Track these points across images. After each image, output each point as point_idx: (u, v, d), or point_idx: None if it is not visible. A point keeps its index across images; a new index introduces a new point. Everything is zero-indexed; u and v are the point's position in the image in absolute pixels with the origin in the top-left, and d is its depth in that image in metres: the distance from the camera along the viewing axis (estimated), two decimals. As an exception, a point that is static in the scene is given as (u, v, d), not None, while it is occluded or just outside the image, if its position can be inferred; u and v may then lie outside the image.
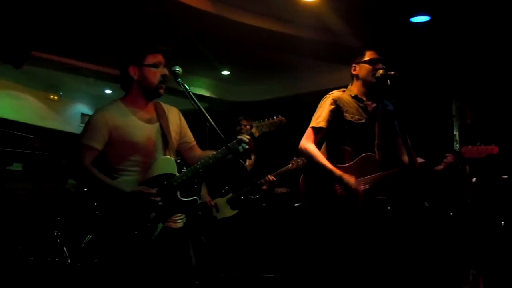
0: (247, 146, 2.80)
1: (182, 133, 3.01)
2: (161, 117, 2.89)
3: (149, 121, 2.85)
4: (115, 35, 6.45)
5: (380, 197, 3.30)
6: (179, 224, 2.84)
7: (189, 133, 3.04)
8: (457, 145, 6.89)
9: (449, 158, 3.16)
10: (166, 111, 2.95)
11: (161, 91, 2.84)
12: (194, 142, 3.06)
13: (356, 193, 3.23)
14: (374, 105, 3.44)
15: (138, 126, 2.80)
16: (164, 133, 2.84)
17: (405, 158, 3.38)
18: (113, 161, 2.78)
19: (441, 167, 3.19)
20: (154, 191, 2.68)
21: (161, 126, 2.86)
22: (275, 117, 2.97)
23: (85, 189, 5.71)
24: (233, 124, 5.24)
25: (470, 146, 3.15)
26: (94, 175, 2.70)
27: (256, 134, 2.89)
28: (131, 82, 2.84)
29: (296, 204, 3.72)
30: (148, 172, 2.75)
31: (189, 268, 2.86)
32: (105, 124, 2.74)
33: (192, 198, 2.81)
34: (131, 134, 2.76)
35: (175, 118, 2.98)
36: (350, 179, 3.24)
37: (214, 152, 2.82)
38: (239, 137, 2.84)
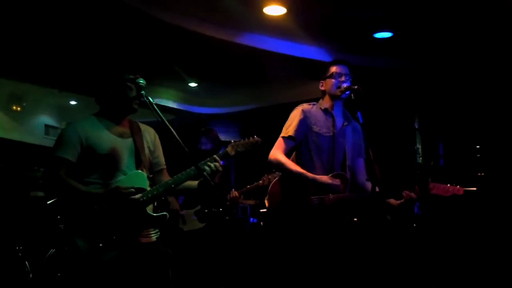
0: (214, 168, 2.81)
1: (155, 154, 3.01)
2: (136, 134, 2.89)
3: (121, 135, 2.84)
4: (83, 48, 6.39)
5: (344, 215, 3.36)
6: (153, 238, 2.82)
7: (161, 156, 3.04)
8: (420, 158, 7.03)
9: (412, 194, 3.22)
10: (141, 129, 2.96)
11: (135, 106, 2.84)
12: (164, 167, 3.06)
13: (331, 185, 3.30)
14: (346, 123, 3.54)
15: (109, 139, 2.78)
16: (138, 149, 2.84)
17: (363, 181, 3.52)
18: (82, 173, 2.75)
19: (400, 201, 3.29)
20: (131, 188, 2.67)
21: (134, 141, 2.86)
22: (251, 137, 3.04)
23: (48, 202, 5.60)
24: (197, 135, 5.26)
25: (438, 184, 3.21)
26: (70, 184, 2.67)
27: (232, 153, 2.96)
28: (106, 98, 2.84)
29: (261, 210, 3.74)
30: (117, 185, 2.71)
31: (165, 282, 2.81)
32: (76, 136, 2.73)
33: (162, 213, 2.80)
34: (101, 146, 2.74)
35: (150, 137, 2.99)
36: (323, 177, 3.32)
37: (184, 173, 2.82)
38: (213, 157, 2.86)
